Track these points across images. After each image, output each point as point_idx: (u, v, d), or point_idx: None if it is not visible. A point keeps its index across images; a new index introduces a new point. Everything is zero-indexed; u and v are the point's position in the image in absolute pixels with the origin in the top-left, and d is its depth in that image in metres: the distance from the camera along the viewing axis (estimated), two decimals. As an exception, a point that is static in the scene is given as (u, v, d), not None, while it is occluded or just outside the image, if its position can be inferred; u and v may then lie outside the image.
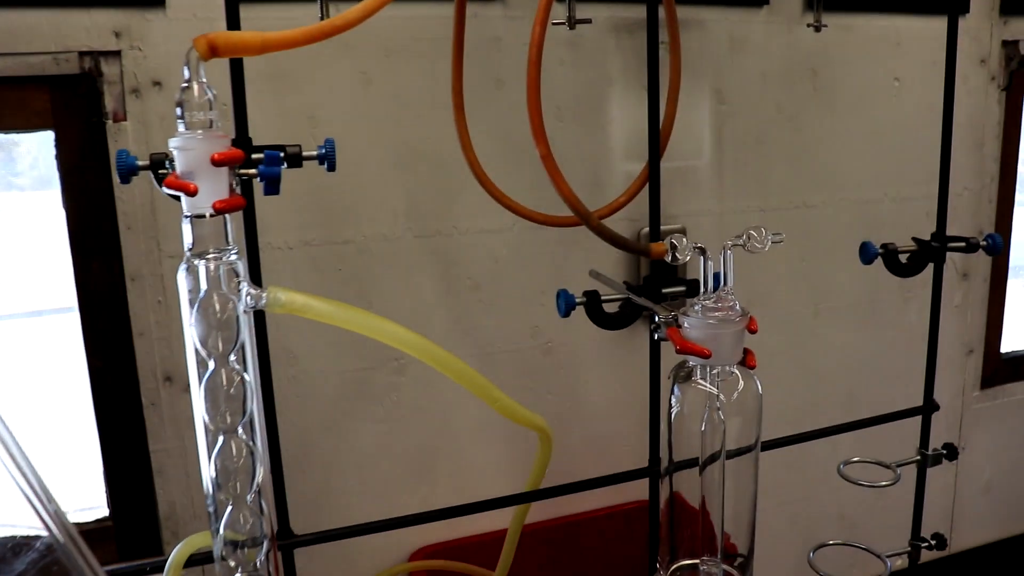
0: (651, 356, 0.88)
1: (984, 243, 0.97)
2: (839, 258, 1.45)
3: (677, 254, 0.66)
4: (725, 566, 0.73)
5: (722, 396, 0.66)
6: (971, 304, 1.59)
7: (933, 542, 1.08)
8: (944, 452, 1.06)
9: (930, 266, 1.02)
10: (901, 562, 1.66)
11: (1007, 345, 1.66)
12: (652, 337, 0.76)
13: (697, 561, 0.73)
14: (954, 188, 1.41)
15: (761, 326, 1.44)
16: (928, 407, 1.05)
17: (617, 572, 1.40)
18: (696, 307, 0.66)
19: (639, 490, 1.42)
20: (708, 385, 0.66)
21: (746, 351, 0.67)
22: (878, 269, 1.50)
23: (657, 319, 0.70)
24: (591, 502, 1.37)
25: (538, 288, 1.26)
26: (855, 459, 1.06)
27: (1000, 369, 1.66)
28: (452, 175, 1.17)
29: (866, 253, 0.96)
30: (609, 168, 1.27)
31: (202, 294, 0.60)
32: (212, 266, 0.60)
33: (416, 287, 1.21)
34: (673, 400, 0.68)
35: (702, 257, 0.66)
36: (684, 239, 0.67)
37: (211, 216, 0.58)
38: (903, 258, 0.99)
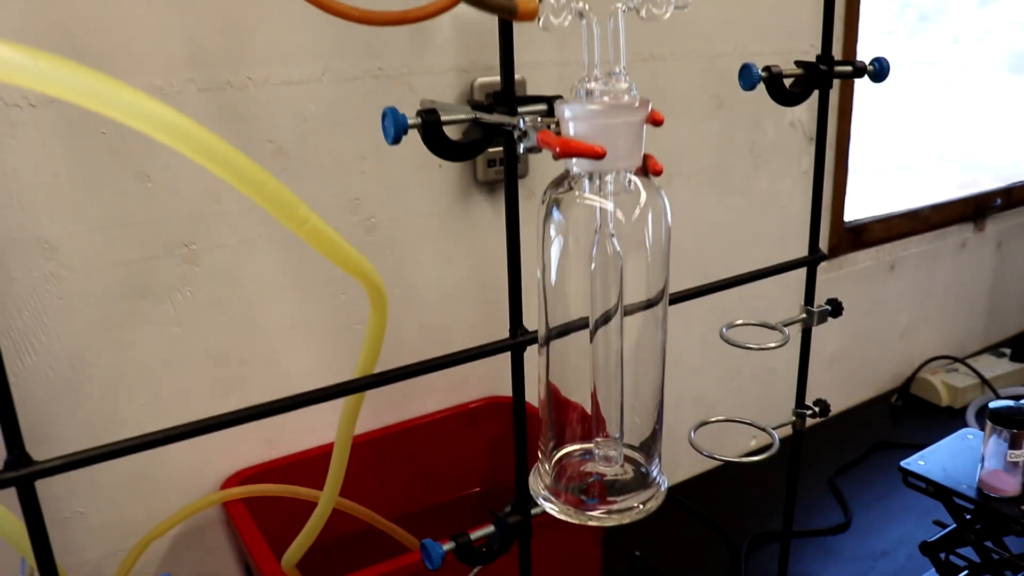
0: (508, 190, 0.69)
1: (871, 67, 0.86)
2: (690, 119, 1.33)
3: (552, 16, 0.48)
4: (627, 448, 0.57)
5: (620, 214, 0.49)
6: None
7: (816, 409, 0.99)
8: (829, 308, 0.96)
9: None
10: (755, 442, 1.62)
11: (850, 214, 1.63)
12: (514, 155, 0.58)
13: (590, 445, 0.57)
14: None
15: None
16: (815, 258, 0.95)
17: (468, 475, 1.25)
18: (580, 92, 0.49)
19: (484, 386, 1.28)
20: (601, 200, 0.49)
21: (646, 156, 0.50)
22: (730, 129, 1.40)
23: (522, 124, 0.52)
24: (430, 403, 1.21)
25: (357, 152, 1.05)
26: (739, 322, 0.94)
27: (843, 238, 1.62)
28: (244, 3, 0.93)
29: (748, 77, 0.82)
30: None
31: None
32: None
33: (204, 154, 0.96)
34: (552, 231, 0.51)
35: (584, 23, 0.48)
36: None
37: None
38: (788, 83, 0.86)
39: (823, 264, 1.57)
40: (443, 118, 0.63)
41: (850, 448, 1.58)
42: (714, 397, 1.52)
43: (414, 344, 1.14)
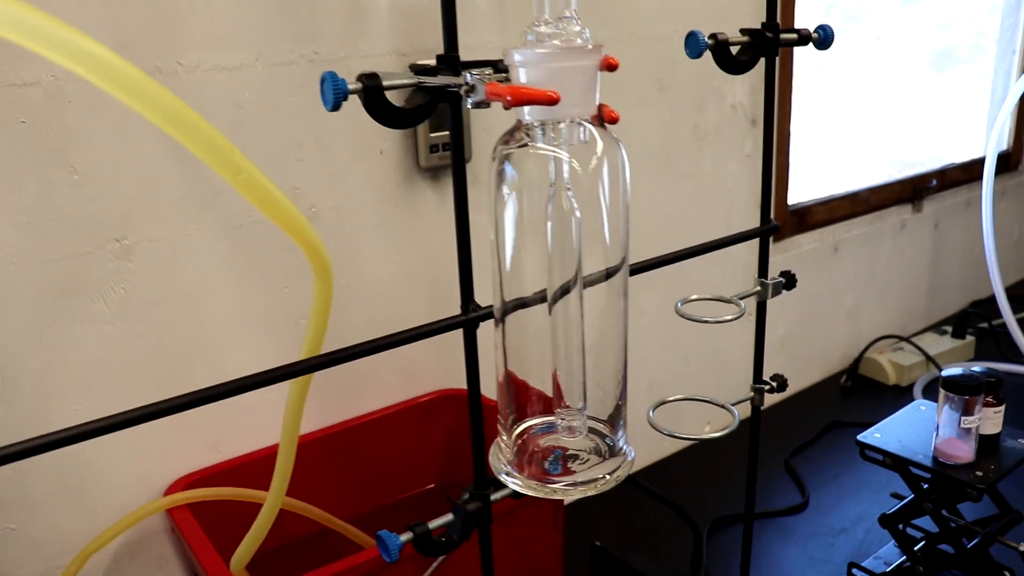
0: (455, 156, 0.66)
1: (816, 34, 0.85)
2: (633, 103, 1.32)
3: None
4: (591, 419, 0.55)
5: (576, 164, 0.47)
6: (760, 151, 1.52)
7: (774, 384, 0.98)
8: (783, 280, 0.95)
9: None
10: (709, 428, 1.62)
11: (793, 197, 1.64)
12: (460, 120, 0.55)
13: (552, 417, 0.55)
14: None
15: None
16: (768, 228, 0.94)
17: (422, 471, 1.22)
18: (530, 36, 0.46)
19: (435, 379, 1.24)
20: (555, 149, 0.47)
21: (601, 105, 0.48)
22: (672, 113, 1.40)
23: (468, 78, 0.50)
24: (381, 399, 1.17)
25: (294, 139, 1.01)
26: (694, 297, 0.92)
27: (788, 221, 1.63)
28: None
29: (695, 44, 0.81)
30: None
31: None
32: None
33: (134, 145, 0.92)
34: (505, 188, 0.48)
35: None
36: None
37: None
38: (734, 51, 0.85)
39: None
40: (385, 83, 0.60)
41: (804, 429, 1.59)
42: (668, 383, 1.52)
43: (361, 335, 1.11)
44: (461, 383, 1.22)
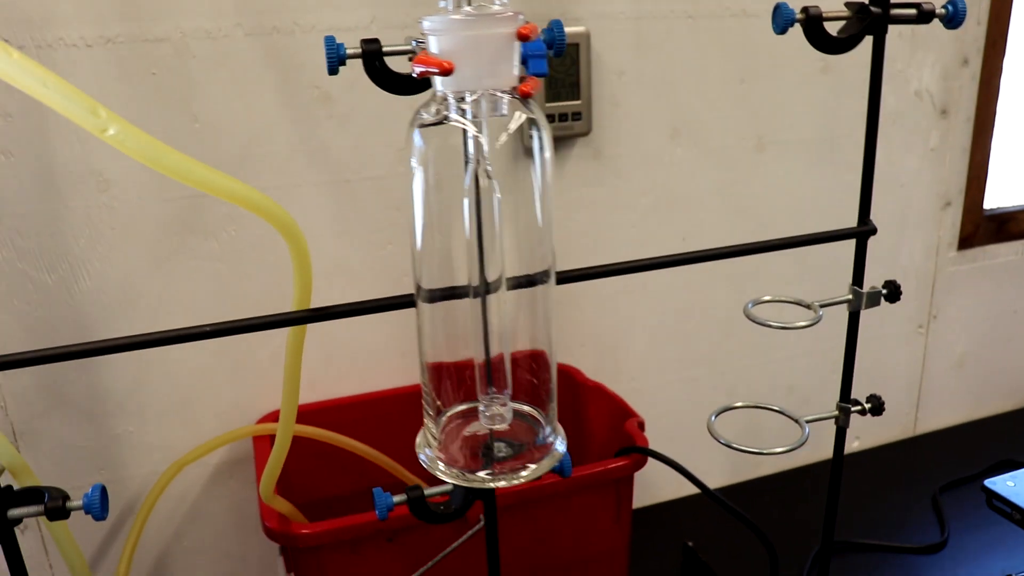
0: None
1: (943, 10, 0.74)
2: (789, 81, 1.21)
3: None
4: (516, 404, 0.53)
5: (482, 139, 0.45)
6: (950, 147, 1.35)
7: (868, 405, 0.87)
8: (884, 292, 0.84)
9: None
10: (858, 444, 1.48)
11: (991, 200, 1.44)
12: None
13: (477, 404, 0.53)
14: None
15: (689, 160, 1.21)
16: (864, 230, 0.84)
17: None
18: (446, 3, 0.45)
19: (525, 342, 1.23)
20: (463, 120, 0.45)
21: (522, 77, 0.46)
22: (838, 97, 1.27)
23: (414, 44, 0.48)
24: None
25: (405, 100, 1.04)
26: (766, 298, 0.85)
27: (981, 227, 1.43)
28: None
29: (780, 17, 0.73)
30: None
31: None
32: None
33: (251, 98, 0.99)
34: (413, 163, 0.47)
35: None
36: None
37: None
38: (832, 29, 0.76)
39: (952, 255, 1.41)
40: (384, 48, 0.60)
41: (968, 463, 1.41)
42: (811, 389, 1.40)
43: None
44: (568, 358, 1.22)
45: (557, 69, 1.07)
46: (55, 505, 0.62)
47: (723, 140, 1.20)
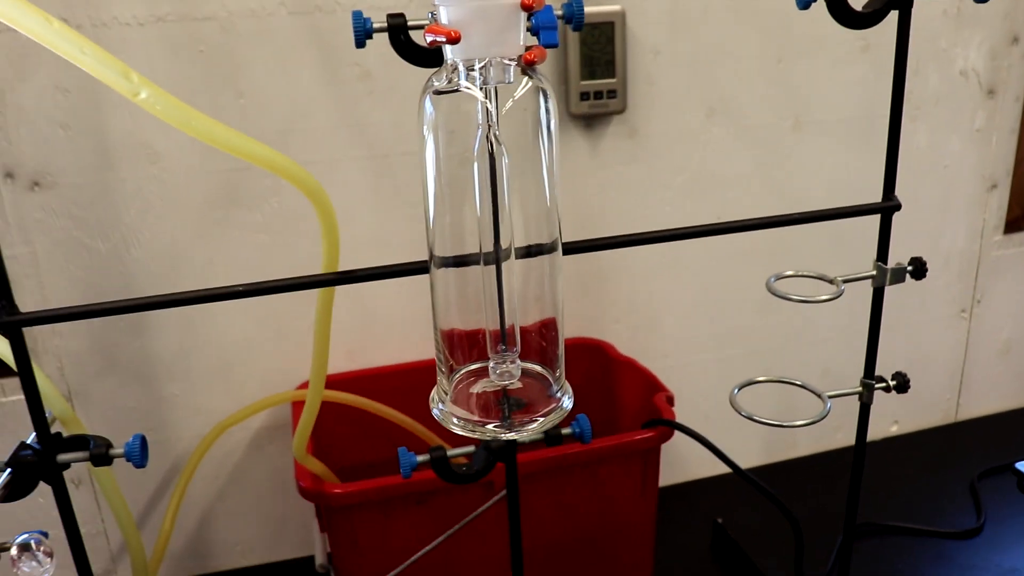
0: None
1: (968, -15, 0.74)
2: (825, 61, 1.21)
3: None
4: (525, 363, 0.55)
5: (489, 107, 0.47)
6: (997, 128, 1.33)
7: (893, 383, 0.87)
8: (910, 268, 0.84)
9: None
10: (896, 428, 1.47)
11: (1042, 183, 1.41)
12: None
13: (488, 363, 0.56)
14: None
15: (724, 139, 1.21)
16: (889, 205, 0.84)
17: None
18: (454, -24, 0.47)
19: (575, 327, 1.25)
20: (471, 87, 0.47)
21: (528, 47, 0.48)
22: (877, 76, 1.26)
23: (430, 16, 0.51)
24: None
25: (441, 79, 1.06)
26: (788, 273, 0.85)
27: (1030, 210, 1.40)
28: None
29: (801, -7, 0.74)
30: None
31: None
32: None
33: (294, 74, 1.02)
34: (425, 131, 0.49)
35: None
36: None
37: None
38: (855, 4, 0.76)
39: (998, 238, 1.39)
40: (409, 22, 0.63)
41: (1009, 451, 1.39)
42: (845, 369, 1.39)
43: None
44: (601, 334, 1.23)
45: (592, 47, 1.09)
46: (99, 452, 0.66)
47: (759, 119, 1.20)
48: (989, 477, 1.33)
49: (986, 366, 1.48)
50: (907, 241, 1.30)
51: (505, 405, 0.55)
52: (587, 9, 1.07)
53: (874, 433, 1.44)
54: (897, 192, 1.32)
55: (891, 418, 1.45)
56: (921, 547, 1.20)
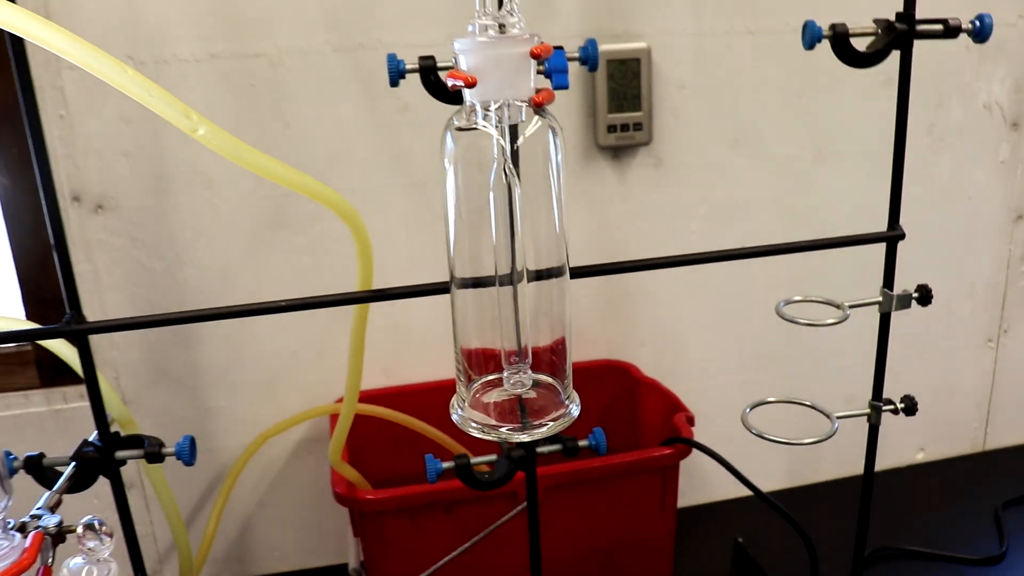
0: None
1: (970, 25, 0.78)
2: (847, 94, 1.25)
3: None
4: (536, 374, 0.61)
5: (503, 144, 0.53)
6: (1022, 160, 1.35)
7: (901, 405, 0.91)
8: (915, 295, 0.87)
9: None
10: (922, 455, 1.49)
11: (1069, 214, 1.42)
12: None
13: (503, 374, 0.61)
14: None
15: (748, 170, 1.26)
16: (894, 235, 0.87)
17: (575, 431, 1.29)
18: (470, 27, 0.53)
19: (600, 348, 1.29)
20: (487, 125, 0.53)
21: (538, 90, 0.53)
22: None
23: (453, 61, 0.57)
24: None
25: (475, 111, 1.13)
26: (797, 298, 0.89)
27: (1058, 241, 1.42)
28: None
29: (809, 34, 0.79)
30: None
31: None
32: None
33: (337, 107, 1.10)
34: (446, 163, 0.55)
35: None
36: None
37: None
38: (859, 44, 0.80)
39: None
40: (438, 64, 0.69)
41: (1039, 479, 1.40)
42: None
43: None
44: (627, 356, 1.28)
45: (619, 82, 1.14)
46: (153, 450, 0.73)
47: (782, 150, 1.24)
48: (1014, 506, 1.34)
49: (1014, 396, 1.49)
50: (932, 270, 1.33)
51: (519, 410, 0.60)
52: (614, 46, 1.14)
53: (900, 460, 1.46)
54: (921, 222, 1.36)
55: (917, 446, 1.46)
56: (942, 573, 1.21)
